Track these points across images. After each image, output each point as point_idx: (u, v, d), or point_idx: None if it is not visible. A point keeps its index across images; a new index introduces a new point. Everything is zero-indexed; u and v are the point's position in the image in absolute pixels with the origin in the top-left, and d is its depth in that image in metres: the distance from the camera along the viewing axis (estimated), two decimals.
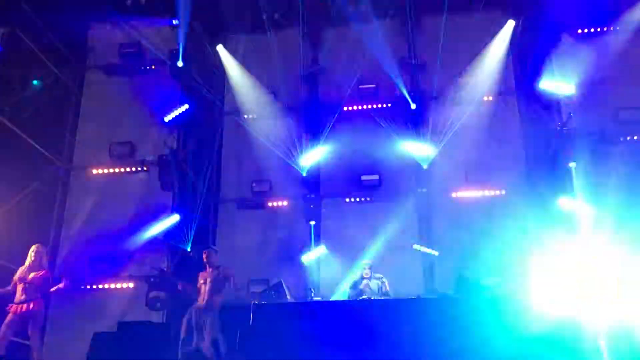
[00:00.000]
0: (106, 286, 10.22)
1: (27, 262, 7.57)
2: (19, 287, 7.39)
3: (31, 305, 7.36)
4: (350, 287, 8.61)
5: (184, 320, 7.53)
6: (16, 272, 7.54)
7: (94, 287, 10.19)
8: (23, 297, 7.38)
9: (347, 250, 10.25)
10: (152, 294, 9.66)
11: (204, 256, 7.94)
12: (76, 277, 9.95)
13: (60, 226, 10.91)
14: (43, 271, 7.55)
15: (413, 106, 11.17)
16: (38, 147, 10.66)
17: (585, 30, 10.52)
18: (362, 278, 8.59)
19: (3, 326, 7.23)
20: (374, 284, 8.52)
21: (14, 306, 7.34)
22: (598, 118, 9.99)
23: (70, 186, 11.26)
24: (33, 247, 7.65)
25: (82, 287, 10.13)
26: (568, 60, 10.13)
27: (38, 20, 10.70)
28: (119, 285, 10.27)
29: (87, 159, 11.34)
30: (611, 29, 10.41)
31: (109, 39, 11.88)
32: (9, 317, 7.29)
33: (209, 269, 7.86)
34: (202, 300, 7.66)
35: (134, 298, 10.09)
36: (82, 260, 10.21)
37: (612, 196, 9.31)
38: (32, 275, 7.46)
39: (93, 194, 11.05)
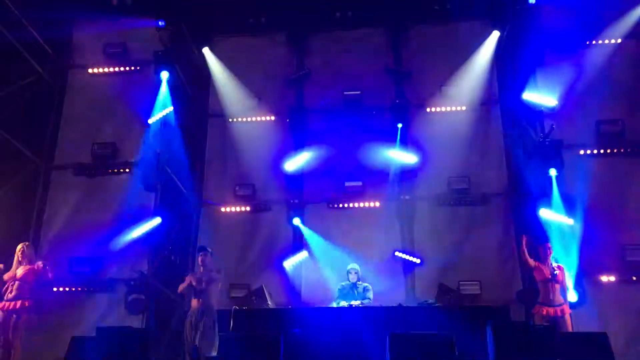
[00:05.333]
0: (85, 288, 10.07)
1: (15, 261, 7.81)
2: (9, 285, 7.63)
3: (18, 304, 7.57)
4: (338, 291, 8.67)
5: (186, 325, 7.38)
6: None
7: (73, 289, 10.04)
8: (12, 294, 7.60)
9: (330, 256, 10.26)
10: (132, 297, 9.57)
11: (200, 258, 7.73)
12: (55, 278, 9.86)
13: (40, 227, 10.73)
14: (33, 265, 7.78)
15: (397, 113, 11.27)
16: (19, 146, 10.51)
17: (568, 44, 10.63)
18: (349, 282, 8.65)
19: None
20: (360, 289, 8.58)
21: (3, 303, 7.58)
22: (579, 130, 10.13)
23: (51, 186, 11.09)
24: (20, 246, 7.90)
25: (61, 288, 9.99)
26: (551, 73, 10.27)
27: (21, 17, 10.57)
28: (98, 288, 10.12)
29: (68, 159, 11.18)
30: (594, 43, 10.55)
31: (93, 39, 11.77)
32: (1, 315, 7.53)
33: (202, 271, 7.67)
34: (197, 302, 7.46)
35: (113, 301, 9.97)
36: (61, 261, 10.07)
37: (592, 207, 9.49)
38: (21, 272, 7.71)
39: (74, 194, 10.91)
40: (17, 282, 7.65)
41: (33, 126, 11.22)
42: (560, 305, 7.74)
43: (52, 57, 11.55)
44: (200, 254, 7.83)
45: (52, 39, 11.46)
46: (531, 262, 8.04)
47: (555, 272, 7.80)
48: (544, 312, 7.72)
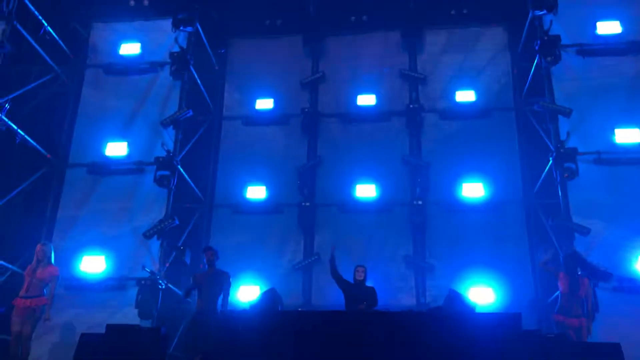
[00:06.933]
0: (96, 287, 10.11)
1: (34, 260, 7.96)
2: (27, 282, 7.80)
3: (35, 302, 7.74)
4: (342, 287, 8.59)
5: (190, 324, 7.37)
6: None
7: (84, 287, 10.08)
8: (30, 292, 7.76)
9: (341, 259, 10.19)
10: (142, 296, 9.59)
11: (208, 256, 7.71)
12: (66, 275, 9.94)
13: (53, 224, 10.81)
14: (51, 267, 7.93)
15: (411, 118, 11.22)
16: (34, 144, 10.61)
17: (585, 49, 10.53)
18: (356, 280, 8.57)
19: (13, 319, 7.65)
20: (366, 289, 8.51)
21: (19, 300, 7.74)
22: (595, 137, 10.00)
23: (65, 184, 11.16)
24: (39, 246, 8.06)
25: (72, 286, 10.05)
26: (567, 79, 10.17)
27: (40, 17, 10.70)
28: (109, 286, 10.15)
29: (83, 158, 11.25)
30: (611, 49, 10.43)
31: (110, 39, 11.90)
32: (15, 311, 7.70)
33: (208, 271, 7.68)
34: (201, 301, 7.51)
35: (124, 299, 9.99)
36: (73, 259, 10.14)
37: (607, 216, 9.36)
38: (40, 271, 7.85)
39: (88, 193, 10.96)
40: (35, 281, 7.80)
41: (49, 125, 11.34)
42: (578, 317, 7.64)
43: (69, 57, 11.69)
44: (207, 253, 7.80)
45: (69, 39, 11.63)
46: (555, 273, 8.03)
47: (578, 285, 7.71)
48: (562, 320, 7.66)
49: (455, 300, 8.53)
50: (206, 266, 7.76)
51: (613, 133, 9.96)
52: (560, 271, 7.92)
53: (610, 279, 7.90)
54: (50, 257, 8.02)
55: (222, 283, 7.62)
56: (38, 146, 10.67)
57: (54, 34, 11.00)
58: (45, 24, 10.79)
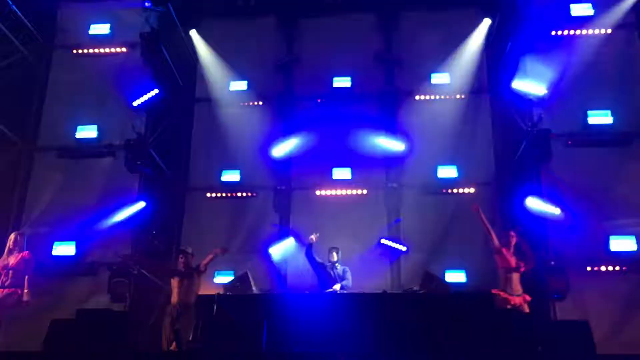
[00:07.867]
0: (67, 272, 9.95)
1: (6, 249, 7.82)
2: (3, 274, 7.64)
3: (18, 291, 7.61)
4: (317, 270, 8.60)
5: (166, 318, 7.42)
6: None
7: (55, 272, 9.90)
8: (8, 282, 7.61)
9: (316, 243, 10.18)
10: (114, 281, 9.47)
11: (182, 261, 7.83)
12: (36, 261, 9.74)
13: (22, 209, 10.60)
14: (23, 253, 7.79)
15: (387, 101, 11.19)
16: (1, 127, 10.32)
17: (559, 33, 10.59)
18: (330, 262, 8.59)
19: None
20: (340, 270, 8.54)
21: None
22: (567, 120, 10.10)
23: (34, 168, 10.94)
24: (13, 235, 7.93)
25: (42, 272, 9.84)
26: (541, 62, 10.21)
27: None
28: (80, 271, 10.00)
29: (52, 141, 11.02)
30: (584, 32, 10.51)
31: (78, 19, 11.59)
32: None
33: (183, 269, 7.76)
34: (175, 299, 7.59)
35: (95, 285, 9.86)
36: (43, 244, 9.93)
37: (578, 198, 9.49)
38: (13, 260, 7.72)
39: (57, 177, 10.74)
40: (11, 271, 7.66)
41: (16, 107, 11.03)
42: (519, 295, 7.74)
43: (36, 37, 11.34)
44: (180, 256, 7.90)
45: (36, 19, 11.24)
46: (494, 234, 8.04)
47: (519, 263, 7.82)
48: (508, 298, 7.70)
49: (431, 281, 8.61)
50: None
51: (585, 114, 10.07)
52: (503, 247, 7.99)
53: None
54: (22, 246, 7.85)
55: (196, 278, 7.78)
56: (5, 129, 10.39)
57: (19, 13, 10.65)
58: (10, 3, 10.45)
